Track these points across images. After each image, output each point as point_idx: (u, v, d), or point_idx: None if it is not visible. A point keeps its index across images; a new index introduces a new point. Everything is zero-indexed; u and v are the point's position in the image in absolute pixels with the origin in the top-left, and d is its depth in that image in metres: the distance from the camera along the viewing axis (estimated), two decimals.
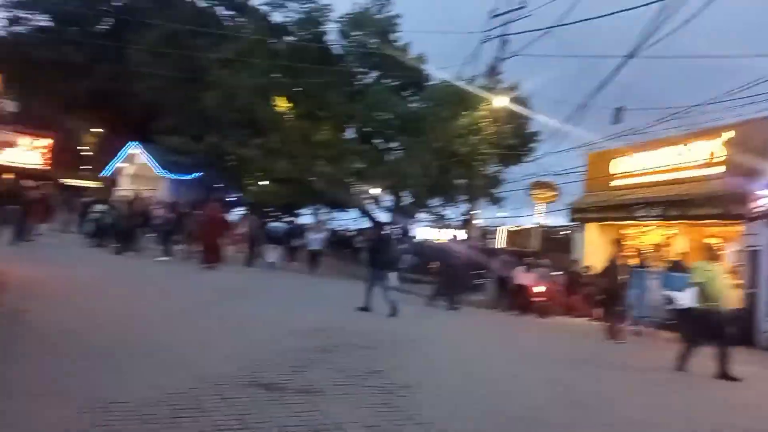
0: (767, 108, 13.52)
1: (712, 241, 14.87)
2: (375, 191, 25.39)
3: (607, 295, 12.30)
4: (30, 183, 19.95)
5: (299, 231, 21.86)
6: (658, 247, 17.04)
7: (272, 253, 19.51)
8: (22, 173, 27.54)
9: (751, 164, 13.05)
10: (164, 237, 18.18)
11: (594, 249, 17.97)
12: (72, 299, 8.75)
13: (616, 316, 12.09)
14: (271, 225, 20.81)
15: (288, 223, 26.23)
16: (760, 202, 12.91)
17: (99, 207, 18.98)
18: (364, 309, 11.15)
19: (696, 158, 15.45)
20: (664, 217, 15.87)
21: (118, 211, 18.03)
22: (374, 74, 25.61)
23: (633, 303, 13.15)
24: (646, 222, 16.75)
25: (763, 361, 10.80)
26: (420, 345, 8.84)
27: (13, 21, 39.25)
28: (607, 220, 18.24)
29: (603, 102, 16.18)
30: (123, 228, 17.55)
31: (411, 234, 24.87)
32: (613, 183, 18.39)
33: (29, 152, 32.41)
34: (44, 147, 33.11)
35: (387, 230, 14.81)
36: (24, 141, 32.25)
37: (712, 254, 8.89)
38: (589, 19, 13.05)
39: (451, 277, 14.65)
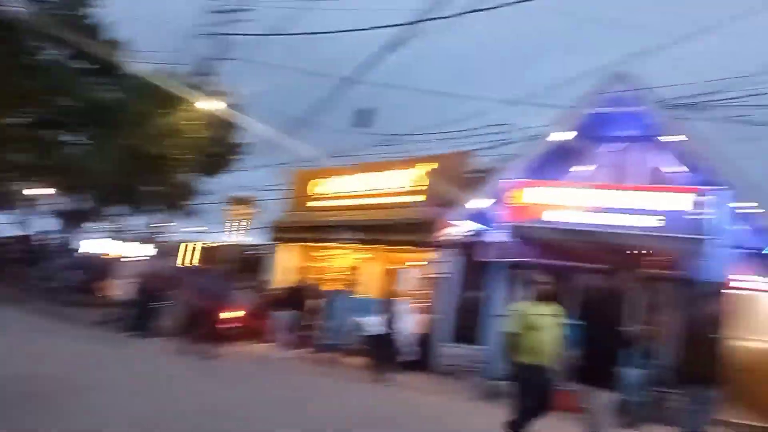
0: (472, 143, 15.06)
1: (405, 266, 15.03)
2: (42, 191, 20.63)
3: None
4: None
5: None
6: (351, 270, 16.65)
7: None
8: None
9: (447, 194, 13.38)
10: None
11: (286, 270, 17.19)
12: None
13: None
14: None
15: None
16: (449, 231, 13.13)
17: None
18: None
19: (399, 185, 15.61)
20: (360, 241, 15.61)
21: None
22: (64, 52, 21.01)
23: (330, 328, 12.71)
24: (342, 245, 16.26)
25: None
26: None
27: None
28: (302, 241, 17.66)
29: (329, 119, 15.57)
30: None
31: (74, 246, 20.60)
32: (313, 204, 17.88)
33: None
34: None
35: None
36: None
37: (547, 294, 6.32)
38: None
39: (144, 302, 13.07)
